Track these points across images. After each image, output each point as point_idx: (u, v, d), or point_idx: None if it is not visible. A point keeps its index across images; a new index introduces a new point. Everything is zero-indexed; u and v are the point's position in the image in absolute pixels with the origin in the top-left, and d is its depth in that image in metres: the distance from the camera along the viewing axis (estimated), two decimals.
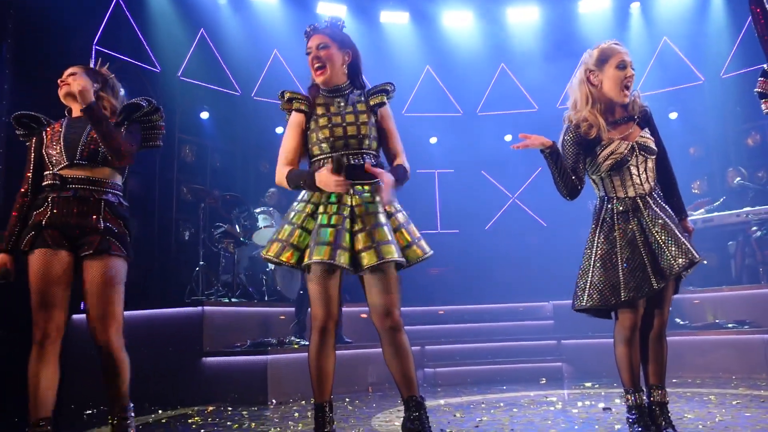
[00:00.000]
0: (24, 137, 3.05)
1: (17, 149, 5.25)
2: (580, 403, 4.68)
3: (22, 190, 2.94)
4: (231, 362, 5.50)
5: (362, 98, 2.99)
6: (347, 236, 2.76)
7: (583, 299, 2.95)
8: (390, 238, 2.78)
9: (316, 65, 2.95)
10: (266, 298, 6.93)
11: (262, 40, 8.62)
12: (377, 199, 2.84)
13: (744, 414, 3.82)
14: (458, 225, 9.52)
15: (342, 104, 2.97)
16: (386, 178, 2.81)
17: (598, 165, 2.98)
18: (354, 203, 2.83)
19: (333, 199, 2.82)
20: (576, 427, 3.70)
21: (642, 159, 2.98)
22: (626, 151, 2.95)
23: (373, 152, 2.94)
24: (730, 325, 6.20)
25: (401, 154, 3.01)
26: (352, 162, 2.86)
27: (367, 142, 2.90)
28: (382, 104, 2.98)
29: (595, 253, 2.95)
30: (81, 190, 2.86)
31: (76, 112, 2.99)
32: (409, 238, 2.89)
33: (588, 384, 5.88)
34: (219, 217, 7.30)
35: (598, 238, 2.97)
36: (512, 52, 9.49)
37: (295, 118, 2.97)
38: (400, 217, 2.92)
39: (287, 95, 3.00)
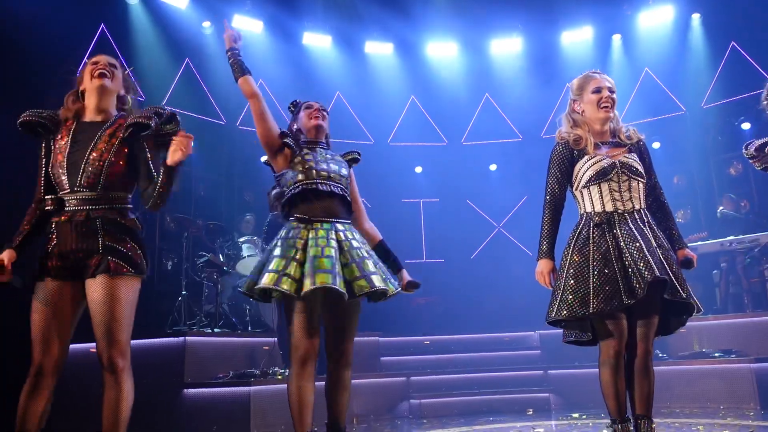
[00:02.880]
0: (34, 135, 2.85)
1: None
2: None
3: (36, 197, 2.80)
4: (213, 393, 5.38)
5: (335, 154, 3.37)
6: (338, 266, 2.97)
7: (553, 311, 2.97)
8: (373, 269, 3.04)
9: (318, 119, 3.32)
10: (249, 329, 6.83)
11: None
12: (356, 235, 3.16)
13: None
14: (444, 254, 9.51)
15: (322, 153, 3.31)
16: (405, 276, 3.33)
17: (580, 176, 3.07)
18: (339, 238, 3.07)
19: (322, 234, 3.04)
20: None
21: (625, 178, 3.04)
22: (607, 165, 3.04)
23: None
24: (716, 354, 6.18)
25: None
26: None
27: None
28: (354, 161, 3.42)
29: (569, 265, 2.98)
30: (78, 212, 2.72)
31: (90, 116, 2.85)
32: (384, 274, 3.11)
33: (576, 415, 5.82)
34: (202, 246, 7.22)
35: (572, 251, 3.00)
36: (496, 82, 9.59)
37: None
38: (363, 251, 3.13)
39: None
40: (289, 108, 3.49)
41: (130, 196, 2.86)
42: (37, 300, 2.67)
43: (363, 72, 9.35)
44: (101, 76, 2.83)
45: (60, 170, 2.75)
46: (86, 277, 2.68)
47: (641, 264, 2.87)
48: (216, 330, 6.30)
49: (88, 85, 2.85)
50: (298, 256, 2.97)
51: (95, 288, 2.65)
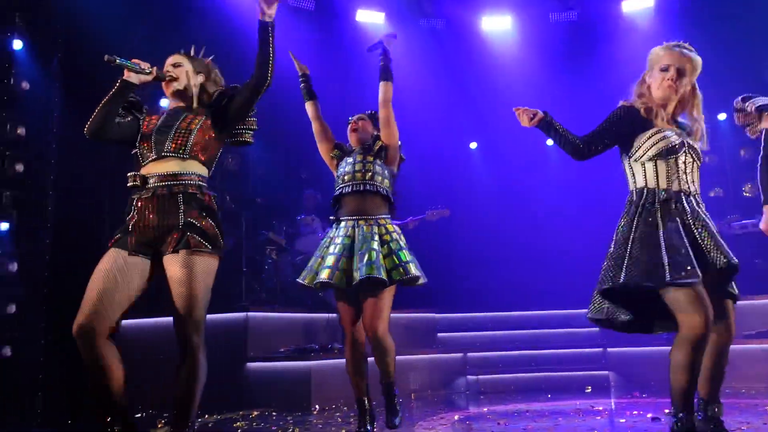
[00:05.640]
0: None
1: (69, 159, 5.42)
2: (627, 413, 4.58)
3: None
4: (275, 368, 5.55)
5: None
6: (344, 260, 3.52)
7: (619, 276, 2.71)
8: (375, 259, 3.47)
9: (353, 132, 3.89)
10: (309, 305, 6.96)
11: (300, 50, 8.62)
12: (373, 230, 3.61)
13: None
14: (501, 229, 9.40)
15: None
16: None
17: (645, 149, 2.87)
18: (355, 234, 3.59)
19: (341, 232, 3.61)
20: None
21: (690, 159, 2.90)
22: (677, 143, 2.86)
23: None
24: None
25: None
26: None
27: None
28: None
29: (634, 235, 2.75)
30: (159, 187, 2.75)
31: (174, 103, 2.97)
32: (396, 261, 3.54)
33: (635, 393, 5.75)
34: (261, 225, 7.38)
35: (637, 223, 2.79)
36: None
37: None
38: (393, 244, 3.59)
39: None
40: None
41: (210, 173, 2.92)
42: (101, 264, 2.69)
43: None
44: (168, 82, 2.93)
45: (145, 143, 2.83)
46: (164, 252, 2.72)
47: (711, 245, 2.74)
48: (277, 306, 6.46)
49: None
50: (323, 253, 3.64)
51: (175, 264, 2.68)
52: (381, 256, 3.52)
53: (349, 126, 3.91)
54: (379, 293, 3.52)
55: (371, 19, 8.54)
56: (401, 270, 3.51)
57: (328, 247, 3.63)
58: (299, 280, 3.70)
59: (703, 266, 2.69)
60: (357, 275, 3.46)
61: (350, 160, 3.76)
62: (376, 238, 3.58)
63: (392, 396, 3.65)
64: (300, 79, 3.98)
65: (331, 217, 3.77)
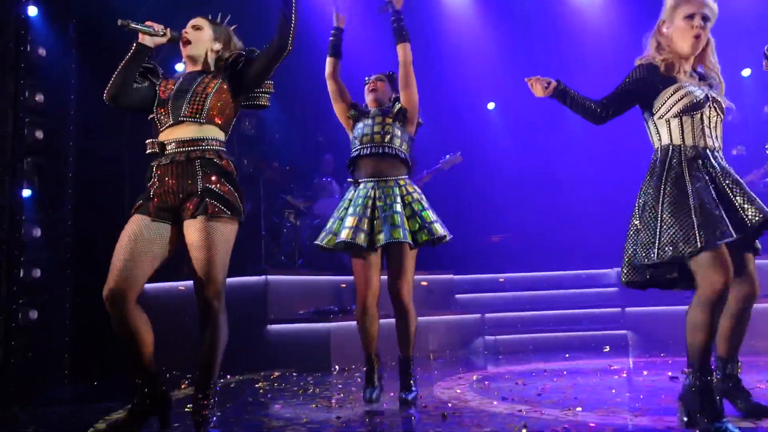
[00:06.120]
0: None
1: (88, 125, 5.46)
2: (645, 372, 4.60)
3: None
4: (295, 329, 5.63)
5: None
6: (366, 221, 3.51)
7: (653, 254, 2.63)
8: (400, 223, 3.47)
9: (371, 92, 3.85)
10: (328, 268, 7.02)
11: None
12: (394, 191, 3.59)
13: None
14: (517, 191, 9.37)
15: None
16: None
17: (669, 106, 2.76)
18: (375, 195, 3.58)
19: (361, 193, 3.59)
20: (641, 396, 3.65)
21: (715, 114, 2.79)
22: (702, 97, 2.75)
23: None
24: None
25: None
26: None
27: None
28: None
29: (663, 199, 2.66)
30: (177, 153, 2.76)
31: (191, 67, 2.97)
32: (420, 222, 3.54)
33: (654, 352, 5.77)
34: (279, 188, 7.41)
35: (665, 185, 2.69)
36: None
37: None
38: (416, 205, 3.58)
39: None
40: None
41: (227, 136, 2.92)
42: (126, 231, 2.73)
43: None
44: (185, 44, 2.92)
45: (162, 109, 2.84)
46: (184, 218, 2.74)
47: (744, 200, 2.65)
48: (296, 269, 6.52)
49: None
50: (341, 214, 3.63)
51: (194, 230, 2.71)
52: (404, 219, 3.51)
53: (367, 86, 3.86)
54: (403, 256, 3.52)
55: None
56: (426, 231, 3.51)
57: (347, 209, 3.61)
58: (318, 242, 3.69)
59: (735, 224, 2.61)
60: (381, 238, 3.45)
61: (368, 122, 3.71)
62: (398, 200, 3.56)
63: (409, 373, 3.58)
64: (332, 32, 3.83)
65: (349, 179, 3.75)
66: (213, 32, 2.96)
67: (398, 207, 3.52)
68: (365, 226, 3.49)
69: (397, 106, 3.71)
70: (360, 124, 3.74)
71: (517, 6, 8.57)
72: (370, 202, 3.55)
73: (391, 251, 3.54)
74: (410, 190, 3.64)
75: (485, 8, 8.64)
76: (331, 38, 3.82)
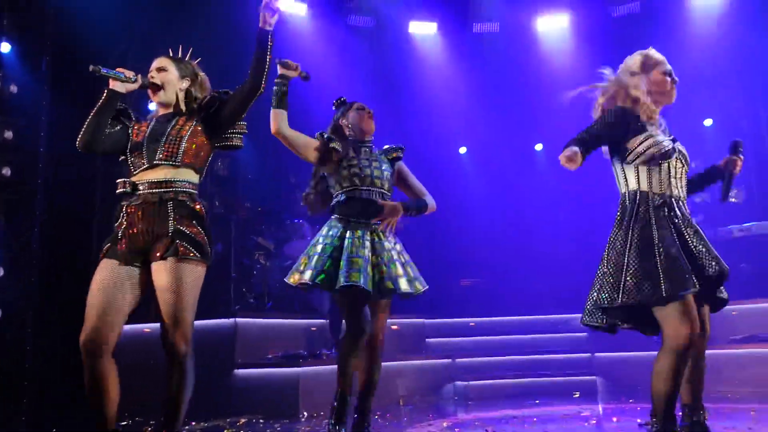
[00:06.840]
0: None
1: (58, 162, 5.39)
2: (615, 419, 4.60)
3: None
4: (263, 374, 5.52)
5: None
6: (369, 266, 3.36)
7: (617, 298, 2.68)
8: (401, 272, 3.44)
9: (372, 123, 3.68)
10: (298, 311, 6.95)
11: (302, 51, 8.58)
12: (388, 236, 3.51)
13: None
14: (489, 236, 9.44)
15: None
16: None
17: (637, 153, 2.85)
18: (373, 239, 3.46)
19: (358, 234, 3.41)
20: None
21: (680, 164, 2.92)
22: (670, 147, 2.86)
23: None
24: None
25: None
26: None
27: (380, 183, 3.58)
28: (398, 159, 3.72)
29: (630, 245, 2.73)
30: (150, 194, 2.74)
31: (163, 110, 2.95)
32: (412, 274, 3.52)
33: (623, 398, 5.77)
34: (250, 229, 7.36)
35: (632, 231, 2.77)
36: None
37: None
38: (405, 255, 3.57)
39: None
40: (334, 104, 3.72)
41: (200, 180, 2.91)
42: (97, 277, 2.69)
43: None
44: (155, 92, 2.92)
45: (136, 152, 2.82)
46: (152, 260, 2.71)
47: (704, 250, 2.75)
48: (266, 312, 6.44)
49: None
50: (335, 254, 3.38)
51: (162, 271, 2.68)
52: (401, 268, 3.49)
53: (367, 113, 3.66)
54: (389, 304, 3.57)
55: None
56: (418, 284, 3.52)
57: (344, 249, 3.39)
58: (310, 282, 3.38)
59: (695, 272, 2.70)
60: (389, 284, 3.38)
61: (375, 163, 3.58)
62: (396, 247, 3.55)
63: (368, 414, 3.51)
64: (278, 81, 3.51)
65: (336, 216, 3.51)
66: (178, 71, 2.96)
67: (395, 255, 3.50)
68: (368, 268, 3.36)
69: (397, 159, 3.72)
70: (354, 161, 3.52)
71: (488, 51, 8.77)
72: (367, 244, 3.42)
73: (383, 298, 3.53)
74: (393, 240, 3.59)
75: (457, 53, 8.82)
76: (284, 89, 3.49)
